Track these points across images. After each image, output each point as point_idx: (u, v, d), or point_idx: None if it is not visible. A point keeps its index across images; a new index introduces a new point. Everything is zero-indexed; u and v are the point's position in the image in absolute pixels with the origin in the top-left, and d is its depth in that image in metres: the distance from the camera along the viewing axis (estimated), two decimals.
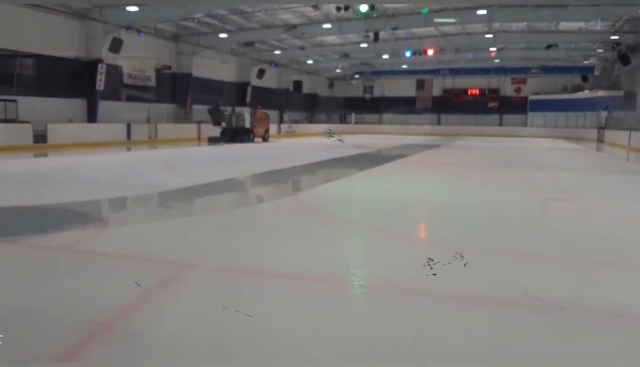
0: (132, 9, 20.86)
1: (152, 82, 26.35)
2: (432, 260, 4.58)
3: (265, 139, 27.59)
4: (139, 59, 25.01)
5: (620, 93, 34.01)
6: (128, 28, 22.53)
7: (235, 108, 25.99)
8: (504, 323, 3.46)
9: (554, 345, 3.09)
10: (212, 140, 23.88)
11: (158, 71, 26.56)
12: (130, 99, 24.67)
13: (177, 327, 3.29)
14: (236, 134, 24.67)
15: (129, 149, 20.76)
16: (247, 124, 25.52)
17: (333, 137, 28.85)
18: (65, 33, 21.15)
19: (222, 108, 25.38)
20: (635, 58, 27.77)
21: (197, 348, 2.98)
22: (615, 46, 28.44)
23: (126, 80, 24.78)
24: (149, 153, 19.66)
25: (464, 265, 4.60)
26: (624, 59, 27.62)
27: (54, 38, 20.71)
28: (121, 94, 24.35)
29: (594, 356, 3.01)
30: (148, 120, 24.78)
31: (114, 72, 23.65)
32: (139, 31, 23.54)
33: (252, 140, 25.66)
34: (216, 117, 24.88)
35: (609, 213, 7.91)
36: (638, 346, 3.17)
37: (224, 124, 24.72)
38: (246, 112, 25.89)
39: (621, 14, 22.25)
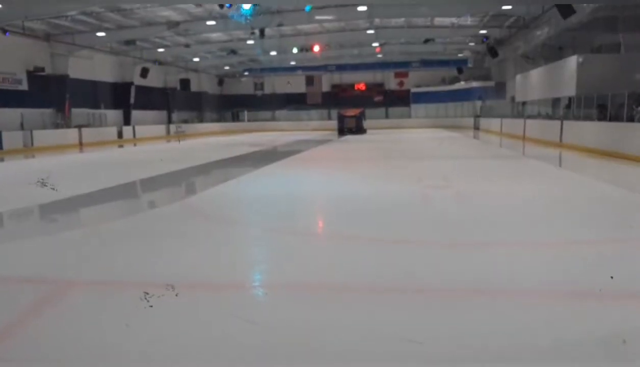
0: None
1: (24, 86, 24.38)
2: None
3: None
4: (7, 60, 23.07)
5: (492, 83, 36.90)
6: None
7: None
8: (383, 309, 3.68)
9: (431, 325, 3.34)
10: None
11: (30, 73, 24.60)
12: None
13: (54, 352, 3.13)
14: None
15: (1, 159, 19.08)
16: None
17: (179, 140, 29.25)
18: None
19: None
20: (502, 51, 30.24)
21: None
22: (484, 40, 30.78)
23: None
24: (25, 163, 18.20)
25: (357, 256, 4.79)
26: (493, 52, 29.99)
27: None
28: None
29: (472, 331, 3.29)
30: (22, 127, 22.94)
31: None
32: (4, 30, 21.63)
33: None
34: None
35: (482, 196, 8.59)
36: (507, 318, 3.51)
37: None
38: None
39: (487, 9, 24.07)
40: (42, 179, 9.41)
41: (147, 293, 3.80)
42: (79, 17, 23.47)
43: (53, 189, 8.89)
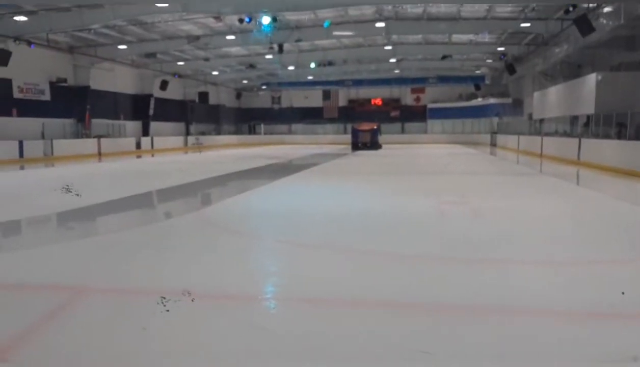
0: (21, 18, 19.65)
1: (47, 96, 24.87)
2: None
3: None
4: (31, 71, 23.59)
5: (509, 100, 36.74)
6: (17, 39, 21.17)
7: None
8: (396, 323, 3.68)
9: (447, 342, 3.33)
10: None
11: (53, 84, 25.11)
12: (22, 114, 23.12)
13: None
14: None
15: (21, 167, 19.44)
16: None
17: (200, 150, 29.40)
18: None
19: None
20: (520, 68, 30.16)
21: None
22: (502, 57, 30.74)
23: (17, 94, 23.20)
24: (45, 172, 18.53)
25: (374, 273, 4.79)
26: (510, 69, 29.92)
27: None
28: (11, 109, 22.77)
29: (485, 349, 3.27)
30: (43, 136, 23.37)
31: (2, 85, 22.13)
32: (29, 42, 22.15)
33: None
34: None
35: (499, 213, 8.53)
36: (517, 336, 3.49)
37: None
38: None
39: (505, 27, 24.09)
40: (67, 186, 9.59)
41: (164, 298, 3.88)
42: (101, 30, 23.97)
43: (77, 195, 9.05)
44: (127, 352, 3.19)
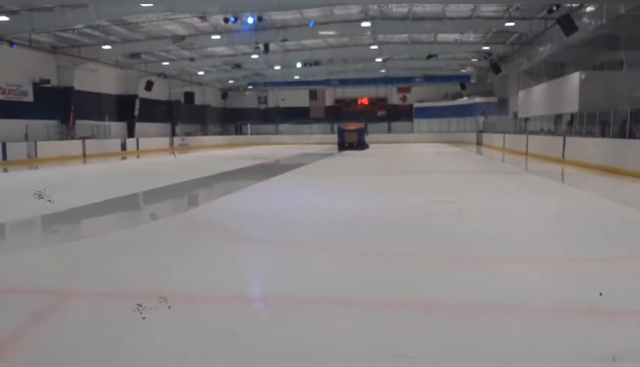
0: (3, 18, 19.36)
1: (30, 97, 24.55)
2: None
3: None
4: (13, 72, 23.29)
5: (494, 99, 37.05)
6: None
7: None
8: (384, 322, 3.67)
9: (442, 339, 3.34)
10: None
11: (36, 85, 24.78)
12: (4, 115, 22.78)
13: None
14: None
15: (5, 170, 19.17)
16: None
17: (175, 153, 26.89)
18: None
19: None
20: (505, 67, 30.39)
21: None
22: (487, 56, 30.96)
23: None
24: (29, 174, 18.29)
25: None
26: (495, 68, 30.13)
27: None
28: None
29: (475, 348, 3.27)
30: (26, 138, 23.07)
31: None
32: (11, 43, 21.85)
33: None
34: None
35: (485, 212, 8.58)
36: (511, 334, 3.50)
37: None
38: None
39: (490, 26, 24.25)
40: (39, 191, 9.45)
41: (140, 305, 3.81)
42: (85, 30, 23.72)
43: (50, 201, 8.93)
44: (109, 354, 3.15)
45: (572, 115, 20.02)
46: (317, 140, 42.19)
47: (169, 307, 3.84)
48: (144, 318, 3.65)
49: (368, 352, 3.17)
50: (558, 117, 22.67)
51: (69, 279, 4.85)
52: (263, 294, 4.59)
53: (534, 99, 25.28)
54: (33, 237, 7.63)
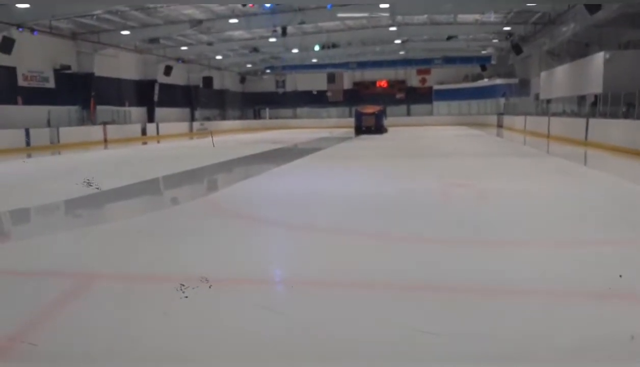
0: (23, 6, 19.55)
1: (51, 84, 24.89)
2: None
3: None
4: (35, 59, 23.59)
5: (516, 80, 36.46)
6: (20, 26, 21.11)
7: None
8: (400, 305, 3.70)
9: (459, 325, 3.35)
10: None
11: (57, 71, 25.09)
12: (27, 102, 23.15)
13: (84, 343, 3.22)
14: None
15: (29, 155, 19.51)
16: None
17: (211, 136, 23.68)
18: None
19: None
20: (526, 47, 29.82)
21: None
22: (509, 36, 30.39)
23: (21, 82, 23.23)
24: (55, 159, 18.59)
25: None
26: (517, 49, 29.56)
27: None
28: (17, 97, 22.82)
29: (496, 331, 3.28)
30: (49, 124, 23.42)
31: (6, 74, 22.16)
32: (32, 30, 22.10)
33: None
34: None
35: (504, 195, 8.51)
36: (539, 318, 3.50)
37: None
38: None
39: (511, 6, 23.77)
40: (88, 179, 9.68)
41: (183, 285, 3.94)
42: (104, 15, 23.88)
43: (97, 188, 9.15)
44: (134, 338, 3.23)
45: (595, 96, 19.63)
46: (335, 124, 42.05)
47: (209, 287, 3.97)
48: (186, 297, 3.77)
49: (394, 332, 3.20)
50: (581, 99, 22.25)
51: (107, 261, 4.96)
52: (292, 276, 4.64)
53: (557, 80, 24.83)
54: (58, 221, 7.79)
